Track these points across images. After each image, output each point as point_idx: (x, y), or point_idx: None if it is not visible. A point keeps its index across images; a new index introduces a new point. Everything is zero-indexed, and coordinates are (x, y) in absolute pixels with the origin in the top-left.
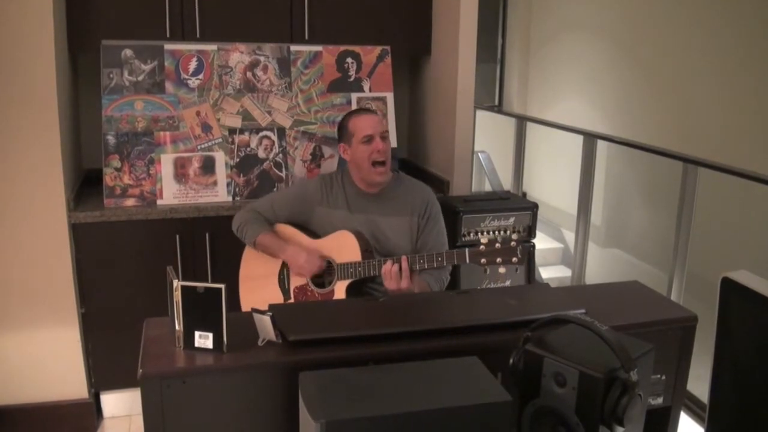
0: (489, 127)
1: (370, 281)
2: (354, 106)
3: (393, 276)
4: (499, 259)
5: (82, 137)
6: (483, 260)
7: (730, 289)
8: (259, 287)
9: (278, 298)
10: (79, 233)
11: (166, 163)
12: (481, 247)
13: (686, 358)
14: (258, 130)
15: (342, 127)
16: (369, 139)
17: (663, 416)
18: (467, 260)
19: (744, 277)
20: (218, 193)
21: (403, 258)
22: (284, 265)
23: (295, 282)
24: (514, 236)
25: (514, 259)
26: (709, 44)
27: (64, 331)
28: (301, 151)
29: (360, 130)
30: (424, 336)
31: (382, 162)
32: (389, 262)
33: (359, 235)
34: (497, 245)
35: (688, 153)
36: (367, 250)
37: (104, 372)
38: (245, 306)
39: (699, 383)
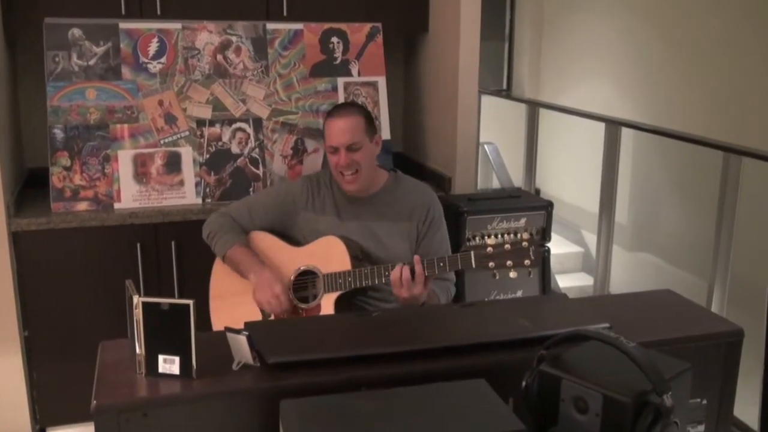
0: (496, 115)
1: (362, 293)
2: (341, 93)
3: (405, 282)
4: (509, 262)
5: (24, 132)
6: (491, 263)
7: None
8: (233, 305)
9: (256, 317)
10: (21, 243)
11: (124, 161)
12: (489, 249)
13: (731, 379)
14: (231, 121)
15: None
16: (334, 151)
17: None
18: (473, 264)
19: None
20: (185, 195)
21: (417, 259)
22: None
23: None
24: (525, 236)
25: (527, 262)
26: (752, 15)
27: (4, 358)
28: (280, 145)
29: (327, 137)
30: (424, 356)
31: (353, 172)
32: (398, 267)
33: (348, 242)
34: (506, 246)
35: (729, 141)
36: (357, 258)
37: (51, 405)
38: (217, 328)
39: (748, 408)
